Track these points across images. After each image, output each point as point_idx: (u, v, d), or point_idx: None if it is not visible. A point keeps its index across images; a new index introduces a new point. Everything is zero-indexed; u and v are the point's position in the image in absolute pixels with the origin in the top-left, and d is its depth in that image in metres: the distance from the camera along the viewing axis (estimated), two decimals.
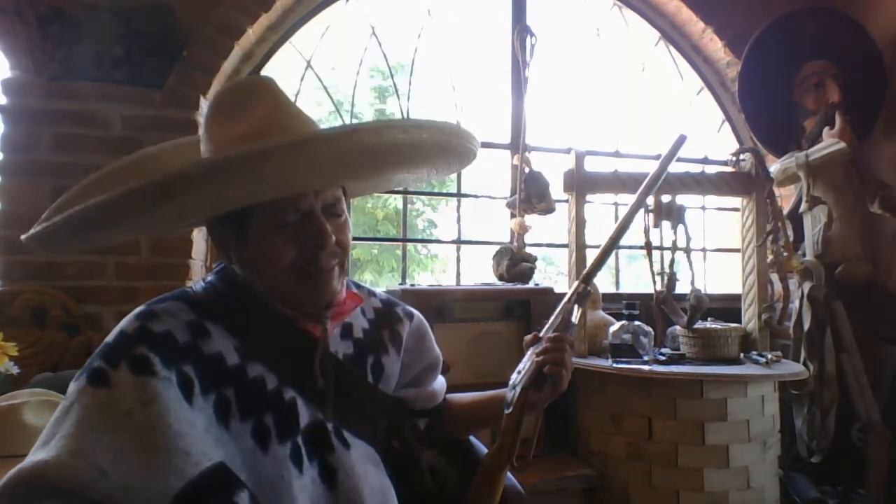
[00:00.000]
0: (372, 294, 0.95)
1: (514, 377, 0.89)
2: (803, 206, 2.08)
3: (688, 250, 1.87)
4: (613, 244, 0.94)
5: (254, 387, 0.71)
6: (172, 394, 0.62)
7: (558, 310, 0.91)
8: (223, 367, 0.69)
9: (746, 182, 2.03)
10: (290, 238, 0.72)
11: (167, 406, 0.61)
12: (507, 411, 0.87)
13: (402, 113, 2.30)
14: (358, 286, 0.93)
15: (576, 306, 0.90)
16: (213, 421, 0.66)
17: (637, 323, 1.79)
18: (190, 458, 0.60)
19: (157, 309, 0.70)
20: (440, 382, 1.02)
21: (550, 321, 0.91)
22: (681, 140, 0.98)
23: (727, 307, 2.12)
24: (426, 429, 0.99)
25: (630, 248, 2.50)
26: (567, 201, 2.03)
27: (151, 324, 0.67)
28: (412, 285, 1.79)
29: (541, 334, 0.89)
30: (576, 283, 0.92)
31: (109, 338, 0.68)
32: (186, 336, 0.68)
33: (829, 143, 2.01)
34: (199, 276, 1.86)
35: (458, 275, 2.32)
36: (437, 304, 1.73)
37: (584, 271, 0.93)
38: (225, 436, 0.66)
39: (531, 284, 1.98)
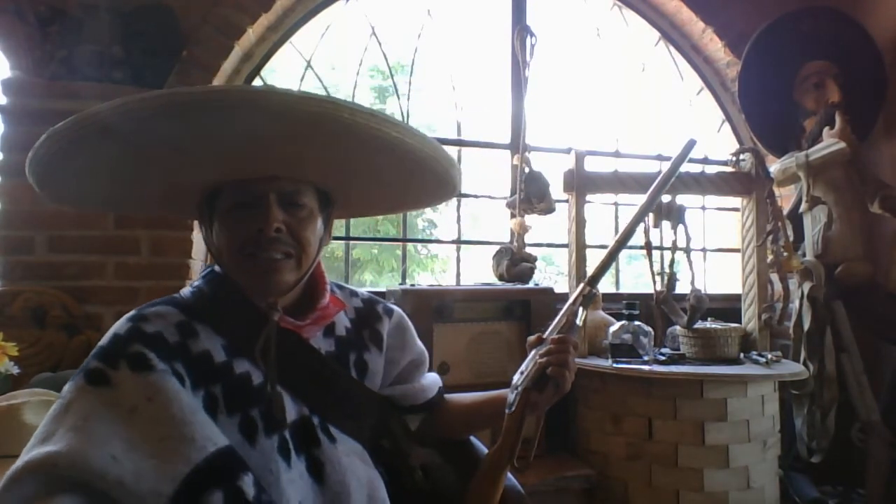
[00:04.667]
0: (354, 294, 0.97)
1: (517, 378, 0.88)
2: (803, 206, 2.08)
3: (688, 250, 1.87)
4: (619, 247, 0.93)
5: (240, 383, 0.74)
6: (172, 384, 0.66)
7: (562, 311, 0.90)
8: (210, 364, 0.72)
9: (746, 182, 2.03)
10: (241, 221, 0.75)
11: (169, 397, 0.65)
12: (508, 412, 0.87)
13: (402, 113, 2.30)
14: (340, 287, 0.96)
15: (580, 308, 0.89)
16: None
17: (637, 323, 1.79)
18: (195, 443, 0.63)
19: (147, 312, 0.74)
20: (430, 378, 1.02)
21: (554, 322, 0.90)
22: (690, 145, 0.98)
23: (727, 307, 2.12)
24: (420, 427, 0.99)
25: (630, 248, 2.48)
26: (567, 201, 2.02)
27: (143, 325, 0.71)
28: (412, 285, 1.79)
29: (544, 335, 0.89)
30: (581, 285, 0.91)
31: (103, 341, 0.71)
32: (175, 336, 0.72)
33: (829, 143, 2.01)
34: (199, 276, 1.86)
35: (458, 275, 2.31)
36: (437, 304, 1.73)
37: (590, 274, 0.92)
38: None
39: (531, 284, 1.98)
